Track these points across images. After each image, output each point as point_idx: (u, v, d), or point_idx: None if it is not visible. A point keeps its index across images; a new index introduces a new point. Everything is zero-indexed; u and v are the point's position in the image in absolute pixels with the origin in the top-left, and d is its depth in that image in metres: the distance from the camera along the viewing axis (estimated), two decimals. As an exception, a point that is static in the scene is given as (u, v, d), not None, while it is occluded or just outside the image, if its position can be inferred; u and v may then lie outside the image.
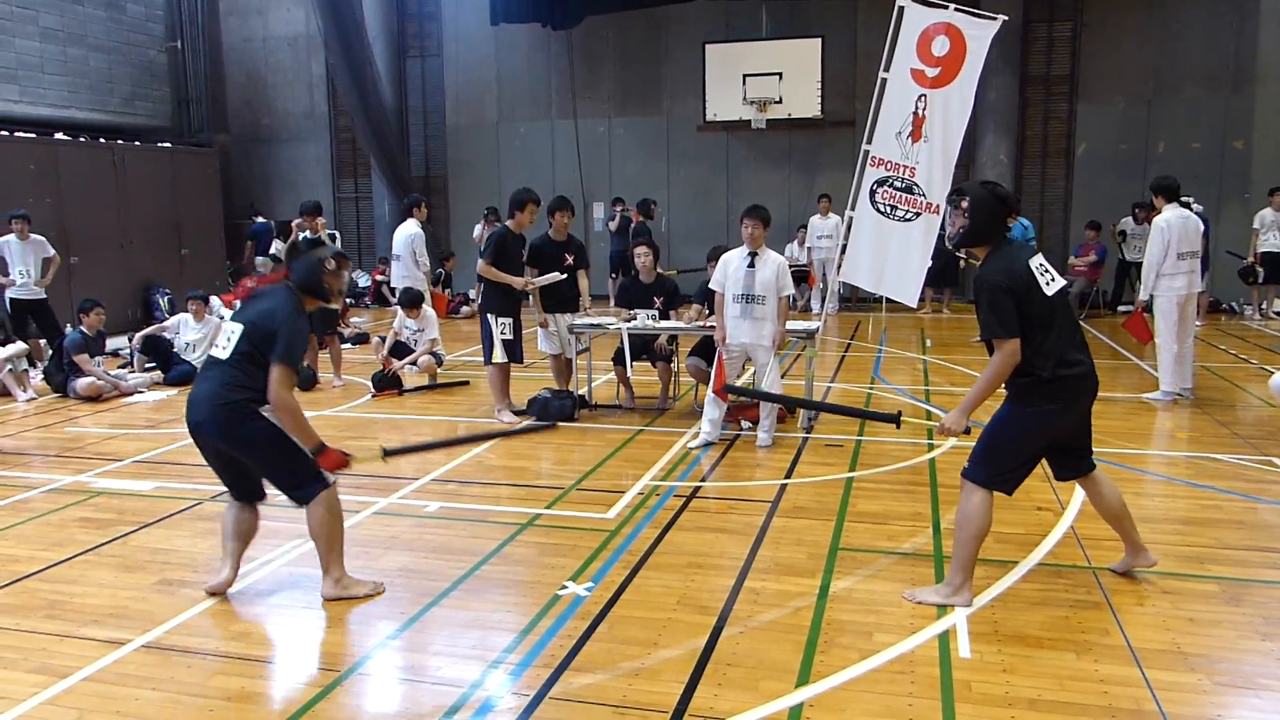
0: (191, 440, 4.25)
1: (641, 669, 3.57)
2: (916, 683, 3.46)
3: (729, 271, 6.81)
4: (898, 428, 4.25)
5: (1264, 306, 14.45)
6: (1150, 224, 8.18)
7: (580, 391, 8.24)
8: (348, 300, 14.11)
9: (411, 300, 9.91)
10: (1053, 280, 3.93)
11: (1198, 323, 8.85)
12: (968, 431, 4.12)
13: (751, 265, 6.73)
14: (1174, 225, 7.94)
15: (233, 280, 15.52)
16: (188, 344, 10.05)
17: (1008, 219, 3.98)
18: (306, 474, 4.14)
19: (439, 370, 9.61)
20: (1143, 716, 3.23)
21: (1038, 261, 3.93)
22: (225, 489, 4.39)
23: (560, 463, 6.64)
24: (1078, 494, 5.63)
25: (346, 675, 3.59)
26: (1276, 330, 13.13)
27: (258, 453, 4.12)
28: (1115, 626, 3.89)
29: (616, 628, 3.93)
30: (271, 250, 15.69)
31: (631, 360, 7.94)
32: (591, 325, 8.17)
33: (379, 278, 17.50)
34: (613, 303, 15.97)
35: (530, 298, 7.92)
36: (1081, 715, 3.23)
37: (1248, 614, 4.04)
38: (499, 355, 7.79)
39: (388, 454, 4.41)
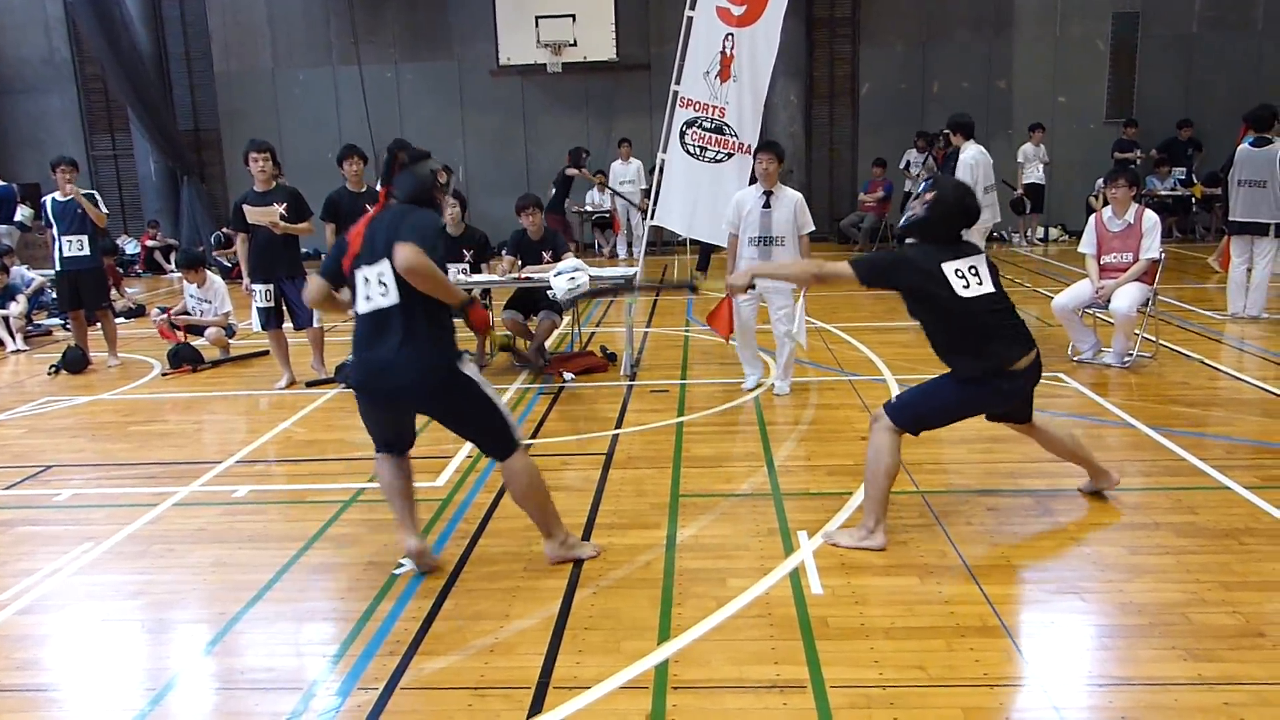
0: (362, 400, 3.86)
1: (496, 644, 3.38)
2: (776, 624, 3.45)
3: (743, 213, 6.36)
4: (694, 294, 4.26)
5: (1029, 234, 15.70)
6: (929, 153, 8.60)
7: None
8: (119, 269, 12.79)
9: (189, 261, 9.01)
10: (980, 284, 3.97)
11: (981, 251, 9.42)
12: (752, 288, 4.14)
13: (767, 205, 6.30)
14: (980, 161, 8.41)
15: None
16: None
17: (962, 228, 4.06)
18: (508, 432, 3.84)
19: (229, 342, 8.85)
20: (988, 632, 3.36)
21: (969, 264, 3.98)
22: (377, 445, 3.98)
23: (378, 430, 6.24)
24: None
25: (163, 694, 3.18)
26: (1041, 255, 14.29)
27: (469, 415, 3.79)
28: (950, 547, 4.04)
29: (463, 603, 3.71)
30: (17, 217, 14.02)
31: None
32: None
33: (149, 243, 16.06)
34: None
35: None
36: (934, 637, 3.32)
37: (1061, 522, 4.30)
38: (255, 324, 7.59)
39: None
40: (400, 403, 3.83)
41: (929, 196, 4.01)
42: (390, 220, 3.68)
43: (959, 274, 3.95)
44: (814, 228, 6.51)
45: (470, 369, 3.78)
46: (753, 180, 6.65)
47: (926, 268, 3.94)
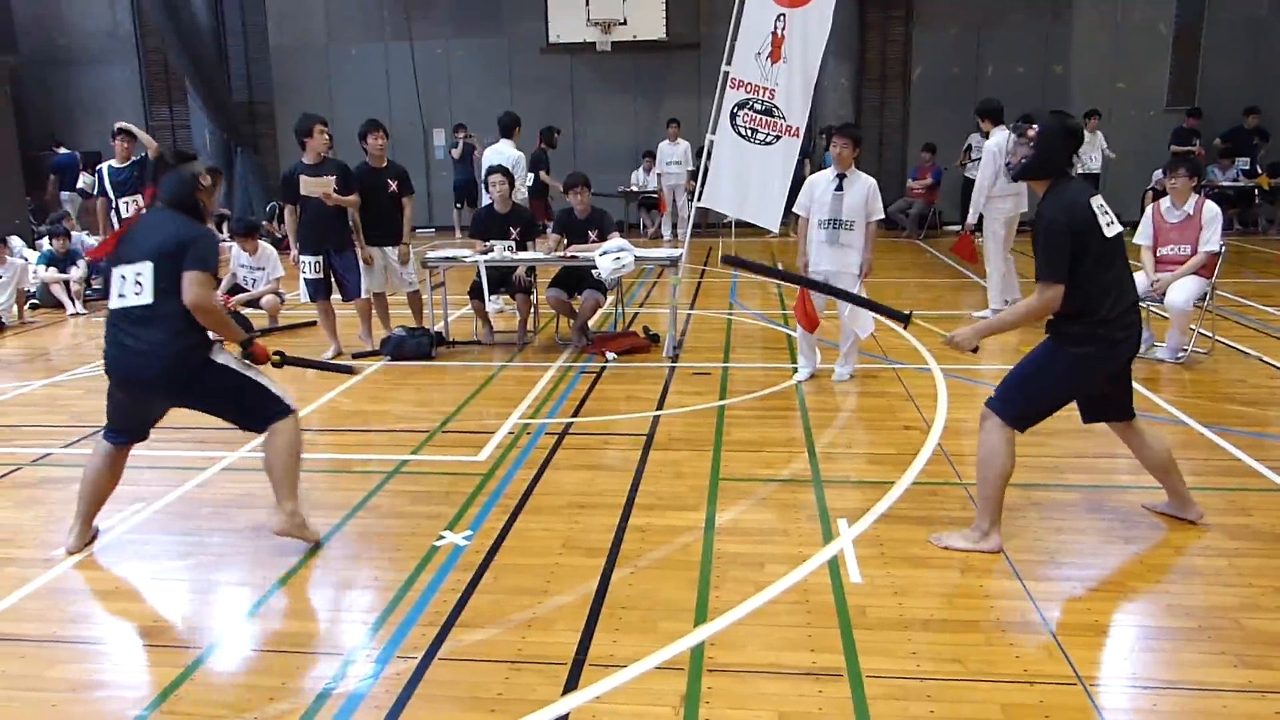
0: (115, 389, 3.89)
1: (534, 619, 3.41)
2: (813, 612, 3.43)
3: (815, 195, 6.36)
4: (905, 328, 4.08)
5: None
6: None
7: (436, 328, 7.88)
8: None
9: (246, 229, 9.13)
10: (1112, 223, 3.71)
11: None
12: (975, 351, 3.94)
13: (840, 188, 6.26)
14: (1005, 149, 8.21)
15: (34, 218, 14.07)
16: (-13, 290, 9.05)
17: (1075, 153, 3.76)
18: (268, 406, 3.90)
19: (280, 308, 8.99)
20: (1029, 627, 3.31)
21: (1099, 202, 3.72)
22: (108, 429, 4.01)
23: (422, 404, 6.32)
24: (940, 410, 5.81)
25: (208, 653, 3.26)
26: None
27: (219, 399, 3.90)
28: (992, 540, 3.98)
29: (502, 577, 3.75)
30: (79, 184, 14.32)
31: (490, 293, 7.66)
32: (447, 258, 7.79)
33: (203, 212, 16.29)
34: (458, 233, 15.55)
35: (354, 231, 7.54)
36: (973, 631, 3.29)
37: (1108, 519, 4.22)
38: (304, 295, 7.62)
39: (282, 361, 4.20)
40: (149, 394, 3.88)
41: (1031, 132, 3.69)
42: (159, 227, 3.78)
43: (1102, 209, 3.70)
44: (883, 215, 6.42)
45: (222, 355, 3.84)
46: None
47: (1083, 213, 3.62)
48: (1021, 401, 3.82)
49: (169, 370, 3.73)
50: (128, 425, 4.01)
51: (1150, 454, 4.07)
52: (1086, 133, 14.63)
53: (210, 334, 3.82)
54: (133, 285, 3.74)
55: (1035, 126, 3.69)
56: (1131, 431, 4.07)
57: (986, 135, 8.66)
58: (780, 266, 11.99)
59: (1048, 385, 3.81)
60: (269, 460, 3.95)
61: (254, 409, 3.91)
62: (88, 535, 4.09)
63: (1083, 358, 3.72)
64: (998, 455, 3.81)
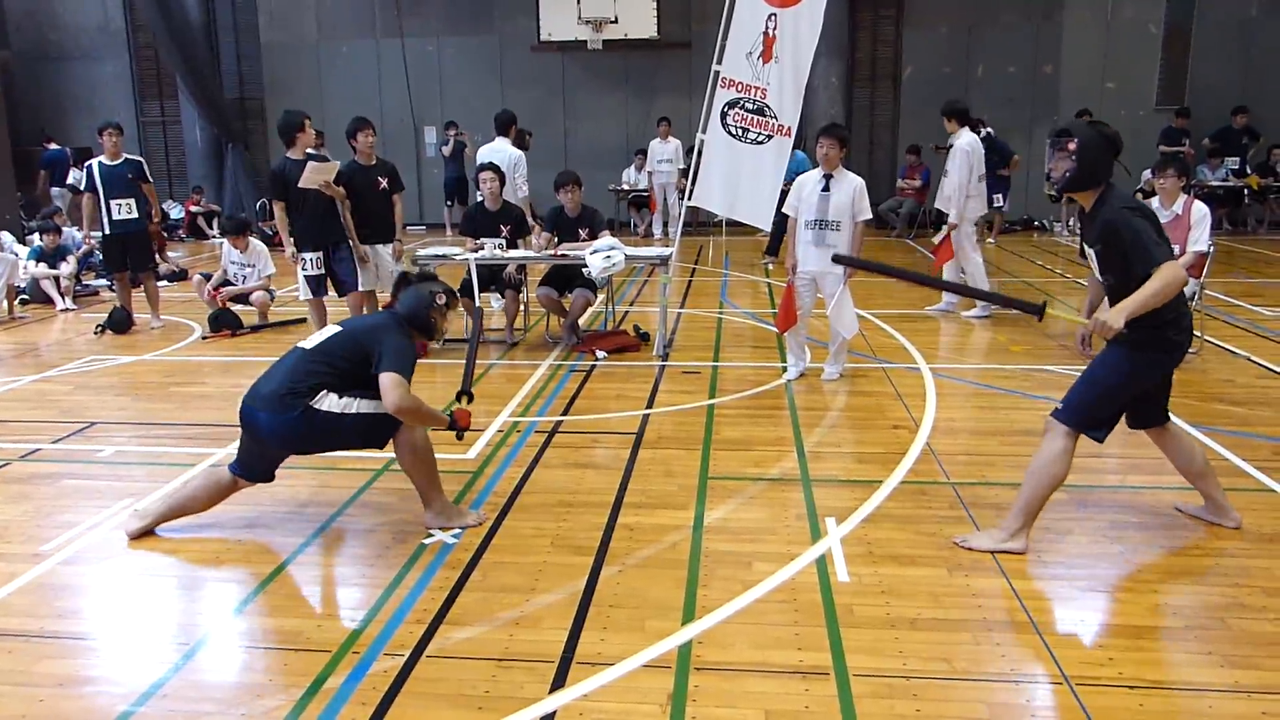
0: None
1: (521, 618, 3.41)
2: (801, 610, 3.44)
3: (802, 195, 6.34)
4: (1040, 319, 4.01)
5: (1070, 223, 15.43)
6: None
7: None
8: (164, 233, 12.97)
9: (236, 227, 9.11)
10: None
11: (990, 240, 9.34)
12: (1125, 337, 3.73)
13: (826, 189, 6.26)
14: (976, 149, 8.36)
15: (25, 213, 13.99)
16: (-25, 287, 9.00)
17: (1116, 160, 3.73)
18: (384, 428, 4.01)
19: (269, 304, 8.96)
20: (1016, 627, 3.32)
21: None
22: (236, 461, 4.14)
23: (411, 402, 6.30)
24: (929, 410, 5.82)
25: (197, 649, 3.25)
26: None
27: (333, 442, 4.08)
28: (980, 539, 4.00)
29: (490, 575, 3.75)
30: (69, 180, 14.25)
31: (480, 291, 7.64)
32: (437, 255, 7.78)
33: (194, 208, 16.26)
34: (448, 231, 15.53)
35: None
36: (961, 630, 3.30)
37: (1095, 519, 4.23)
38: (303, 292, 7.54)
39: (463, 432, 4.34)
40: (249, 427, 3.98)
41: (1071, 145, 3.64)
42: (375, 321, 4.21)
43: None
44: (870, 215, 6.42)
45: (326, 401, 3.90)
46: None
47: (1147, 212, 3.63)
48: (1090, 408, 3.83)
49: (263, 408, 3.87)
50: (246, 460, 4.10)
51: (1185, 459, 4.08)
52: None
53: (318, 386, 3.90)
54: (319, 336, 4.08)
55: (1075, 140, 3.67)
56: (1167, 436, 4.08)
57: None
58: (770, 266, 12.00)
59: (1113, 390, 3.81)
60: (403, 468, 4.15)
61: (374, 436, 4.04)
62: (145, 530, 4.14)
63: (1152, 361, 3.75)
64: (1055, 464, 3.82)
